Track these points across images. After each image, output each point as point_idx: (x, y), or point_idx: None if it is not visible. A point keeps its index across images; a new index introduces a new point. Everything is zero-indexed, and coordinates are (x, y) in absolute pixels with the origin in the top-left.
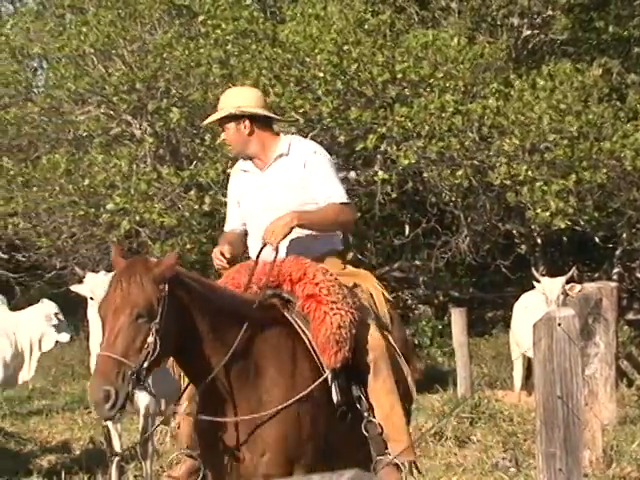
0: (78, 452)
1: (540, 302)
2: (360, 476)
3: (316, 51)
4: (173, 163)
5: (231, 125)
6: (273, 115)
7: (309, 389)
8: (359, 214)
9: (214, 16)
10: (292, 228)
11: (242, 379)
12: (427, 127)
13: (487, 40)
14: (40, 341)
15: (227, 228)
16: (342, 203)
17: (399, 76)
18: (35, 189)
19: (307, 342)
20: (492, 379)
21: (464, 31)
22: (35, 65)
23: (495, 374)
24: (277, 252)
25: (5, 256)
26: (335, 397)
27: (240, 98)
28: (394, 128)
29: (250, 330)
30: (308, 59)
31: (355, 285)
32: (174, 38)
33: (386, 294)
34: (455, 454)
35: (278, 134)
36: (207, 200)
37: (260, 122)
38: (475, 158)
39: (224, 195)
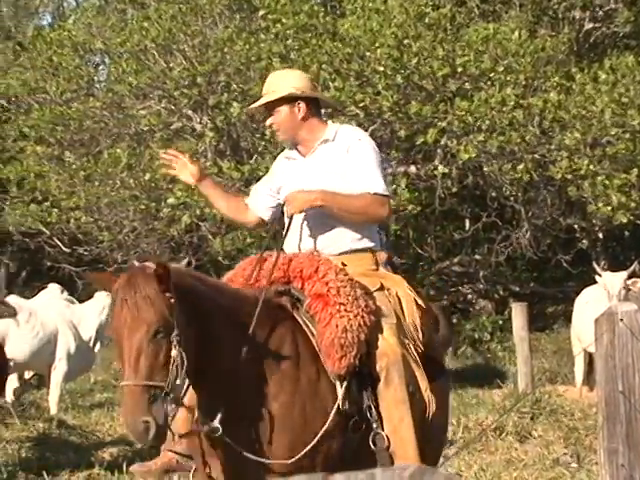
0: (139, 445)
1: (602, 297)
2: (422, 470)
3: (376, 45)
4: (233, 157)
5: (284, 108)
6: (330, 100)
7: (327, 423)
8: (419, 208)
9: (274, 10)
10: (313, 206)
11: (247, 384)
12: (488, 121)
13: (548, 33)
14: (99, 333)
15: (249, 202)
16: (378, 194)
17: (459, 70)
18: (97, 183)
19: (315, 344)
20: (553, 374)
21: (525, 24)
22: (97, 60)
23: (556, 369)
24: (291, 221)
25: (67, 250)
26: (341, 405)
27: (295, 80)
28: (454, 122)
29: (256, 331)
30: (368, 53)
31: (382, 287)
32: (235, 33)
33: (419, 301)
34: (516, 449)
35: (326, 122)
36: None
37: (314, 107)
38: (536, 152)
39: None
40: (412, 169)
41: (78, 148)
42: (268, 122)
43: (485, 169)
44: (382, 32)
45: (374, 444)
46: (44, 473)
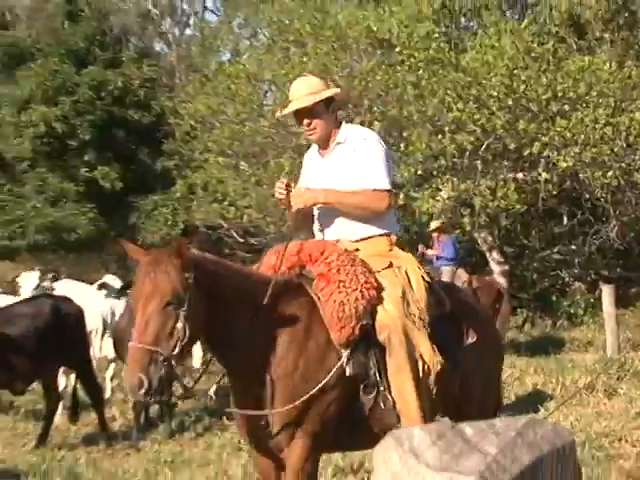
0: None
1: None
2: (534, 421)
3: (491, 75)
4: None
5: (324, 109)
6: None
7: (326, 379)
8: (525, 207)
9: (409, 47)
10: (316, 204)
11: (263, 350)
12: (582, 136)
13: (635, 64)
14: None
15: None
16: (377, 190)
17: (560, 94)
18: (265, 187)
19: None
20: (636, 343)
21: (615, 57)
22: (266, 88)
23: (638, 339)
24: (294, 218)
25: (241, 240)
26: (348, 370)
27: (320, 84)
28: (555, 137)
29: (269, 307)
30: (484, 81)
31: (391, 265)
32: (376, 65)
33: (426, 277)
34: (604, 404)
35: (341, 124)
36: (401, 195)
37: (329, 107)
38: (623, 162)
39: (415, 192)
40: (520, 175)
41: (250, 159)
42: (306, 121)
43: (580, 176)
44: (496, 64)
45: (383, 404)
46: (224, 418)
